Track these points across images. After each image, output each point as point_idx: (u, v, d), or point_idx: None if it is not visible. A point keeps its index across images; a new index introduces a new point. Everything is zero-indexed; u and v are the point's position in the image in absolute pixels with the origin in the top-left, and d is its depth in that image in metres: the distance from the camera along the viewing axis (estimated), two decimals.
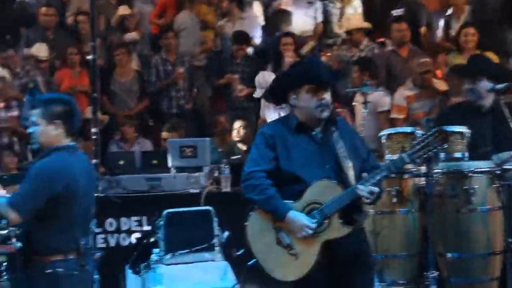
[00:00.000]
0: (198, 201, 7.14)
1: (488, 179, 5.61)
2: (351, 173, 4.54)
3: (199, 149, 7.74)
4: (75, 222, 4.55)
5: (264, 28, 10.59)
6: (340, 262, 4.56)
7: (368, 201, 4.55)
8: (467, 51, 8.66)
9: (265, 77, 8.49)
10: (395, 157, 5.84)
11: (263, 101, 8.39)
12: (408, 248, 5.80)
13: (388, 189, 5.81)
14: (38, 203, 4.42)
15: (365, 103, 6.99)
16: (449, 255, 5.62)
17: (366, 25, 9.75)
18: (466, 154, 5.76)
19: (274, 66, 9.71)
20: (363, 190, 4.49)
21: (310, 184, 4.53)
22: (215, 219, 6.29)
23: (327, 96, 4.61)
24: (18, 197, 4.47)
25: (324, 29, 10.46)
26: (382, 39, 10.00)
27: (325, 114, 4.60)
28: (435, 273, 5.30)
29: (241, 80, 9.71)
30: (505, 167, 5.57)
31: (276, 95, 4.87)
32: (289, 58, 9.37)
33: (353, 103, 8.47)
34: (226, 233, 6.24)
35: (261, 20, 10.63)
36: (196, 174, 7.59)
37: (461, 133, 5.75)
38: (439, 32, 9.84)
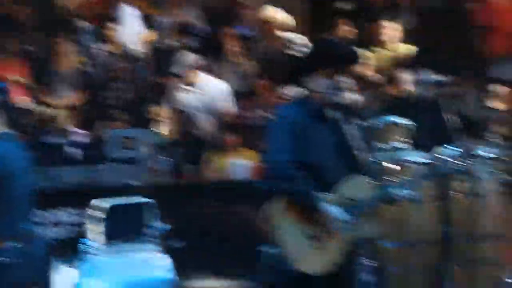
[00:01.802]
0: (139, 193, 7.05)
1: (425, 170, 5.65)
2: (363, 165, 4.43)
3: (137, 141, 7.66)
4: (12, 207, 4.50)
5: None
6: (355, 262, 4.50)
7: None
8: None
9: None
10: None
11: None
12: None
13: None
14: None
15: None
16: (386, 244, 5.65)
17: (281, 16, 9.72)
18: (408, 145, 5.81)
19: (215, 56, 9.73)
20: (399, 195, 4.37)
21: (336, 177, 4.35)
22: (156, 211, 6.24)
23: (344, 79, 4.42)
24: None
25: None
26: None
27: (341, 97, 4.42)
28: (372, 263, 5.38)
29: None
30: (440, 158, 5.63)
31: (295, 75, 4.65)
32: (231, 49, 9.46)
33: None
34: (165, 225, 6.19)
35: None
36: (134, 165, 7.53)
37: (403, 124, 5.79)
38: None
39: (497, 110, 7.33)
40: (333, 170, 4.37)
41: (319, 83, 4.41)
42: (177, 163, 7.82)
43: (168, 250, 6.17)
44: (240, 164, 7.66)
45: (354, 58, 4.52)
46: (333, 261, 4.31)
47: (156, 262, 6.05)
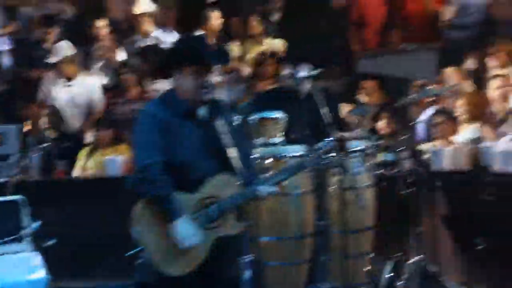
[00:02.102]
0: (5, 190, 6.87)
1: (299, 163, 5.70)
2: (237, 163, 4.43)
3: (6, 137, 7.41)
4: None
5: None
6: (224, 259, 4.46)
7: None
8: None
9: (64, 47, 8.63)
10: None
11: None
12: None
13: None
14: None
15: None
16: (262, 239, 5.69)
17: (152, 9, 9.68)
18: (283, 139, 5.85)
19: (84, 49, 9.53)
20: (264, 191, 4.42)
21: (205, 176, 4.38)
22: (25, 209, 6.04)
23: (212, 77, 4.45)
24: None
25: None
26: None
27: (208, 95, 4.44)
28: (250, 257, 5.41)
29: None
30: (315, 151, 5.71)
31: (162, 71, 4.62)
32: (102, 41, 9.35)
33: None
34: (37, 223, 6.01)
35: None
36: (3, 162, 7.28)
37: (277, 118, 5.83)
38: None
39: (367, 104, 7.52)
40: (201, 169, 4.38)
41: (186, 80, 4.40)
42: (49, 159, 7.61)
43: (40, 249, 5.99)
44: (114, 160, 7.54)
45: (220, 57, 4.57)
46: (197, 261, 4.33)
47: (28, 262, 5.86)
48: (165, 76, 4.56)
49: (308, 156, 4.69)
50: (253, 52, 9.10)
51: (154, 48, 9.02)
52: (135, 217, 4.38)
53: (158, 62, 4.84)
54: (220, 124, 4.45)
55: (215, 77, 4.52)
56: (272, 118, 5.86)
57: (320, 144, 5.50)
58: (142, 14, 9.49)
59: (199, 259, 4.35)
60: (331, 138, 4.91)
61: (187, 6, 10.20)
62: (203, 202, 4.37)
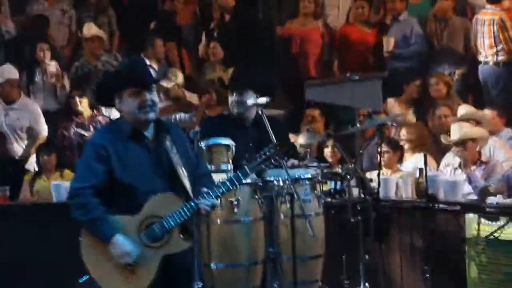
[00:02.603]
0: None
1: (251, 191, 5.73)
2: (186, 183, 4.44)
3: None
4: None
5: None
6: (175, 276, 4.47)
7: (205, 211, 4.49)
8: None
9: (6, 71, 8.59)
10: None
11: None
12: None
13: None
14: None
15: None
16: (213, 265, 5.68)
17: (101, 33, 9.63)
18: (231, 166, 5.85)
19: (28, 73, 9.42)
20: (206, 204, 4.44)
21: (148, 196, 4.37)
22: None
23: (153, 97, 4.44)
24: None
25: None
26: None
27: (151, 115, 4.43)
28: (200, 284, 5.37)
29: None
30: (266, 179, 5.75)
31: (102, 98, 4.68)
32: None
33: None
34: None
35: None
36: None
37: (226, 145, 5.83)
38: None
39: (314, 132, 7.58)
40: (148, 190, 4.36)
41: (126, 103, 4.42)
42: None
43: None
44: (60, 185, 7.43)
45: (151, 80, 4.52)
46: (146, 282, 4.34)
47: None
48: (107, 103, 4.59)
49: (259, 184, 4.92)
50: (204, 77, 9.17)
51: (100, 72, 8.98)
52: (81, 244, 4.39)
53: (97, 89, 4.85)
54: (168, 144, 4.45)
55: (155, 100, 4.46)
56: (220, 145, 5.86)
57: (270, 171, 5.58)
58: (93, 38, 9.43)
59: (148, 280, 4.34)
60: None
61: (133, 31, 10.20)
62: (145, 222, 4.37)
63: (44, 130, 8.72)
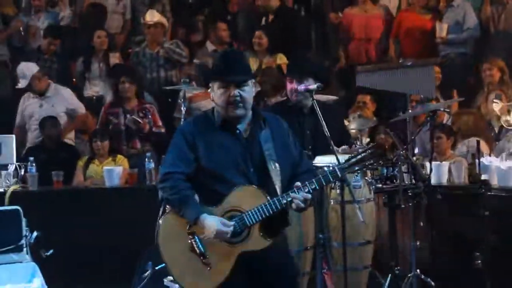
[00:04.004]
0: (3, 200, 6.88)
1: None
2: (276, 178, 4.21)
3: (3, 146, 7.40)
4: None
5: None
6: (259, 276, 4.24)
7: (300, 207, 4.18)
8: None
9: (28, 68, 8.65)
10: None
11: None
12: None
13: None
14: None
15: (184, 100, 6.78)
16: None
17: (164, 20, 9.69)
18: None
19: (84, 61, 9.57)
20: (298, 198, 4.15)
21: (233, 188, 4.18)
22: (23, 219, 6.02)
23: (242, 92, 4.24)
24: None
25: (132, 26, 10.38)
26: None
27: (239, 111, 4.26)
28: None
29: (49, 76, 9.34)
30: (317, 165, 5.73)
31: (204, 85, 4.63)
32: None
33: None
34: (35, 234, 5.99)
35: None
36: (1, 172, 7.29)
37: None
38: None
39: (365, 118, 7.54)
40: (233, 182, 4.20)
41: (215, 94, 4.30)
42: (45, 169, 7.59)
43: (37, 259, 5.97)
44: (112, 170, 7.53)
45: (238, 78, 4.29)
46: (220, 278, 4.15)
47: (25, 272, 5.83)
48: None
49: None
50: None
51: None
52: (158, 231, 4.27)
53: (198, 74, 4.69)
54: (263, 137, 4.28)
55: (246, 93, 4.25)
56: None
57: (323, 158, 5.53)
58: (156, 24, 9.50)
59: (222, 275, 4.17)
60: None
61: (183, 19, 10.28)
62: (226, 214, 4.18)
63: (80, 107, 8.88)
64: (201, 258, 4.16)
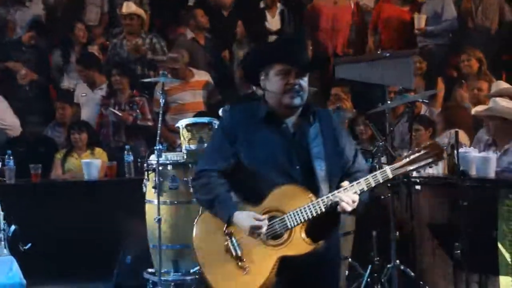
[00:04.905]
0: None
1: None
2: (322, 179, 3.84)
3: None
4: None
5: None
6: (299, 284, 3.88)
7: (346, 210, 3.76)
8: None
9: None
10: (194, 147, 5.90)
11: None
12: None
13: (185, 179, 5.84)
14: None
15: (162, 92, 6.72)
16: None
17: (141, 12, 9.63)
18: None
19: (62, 53, 9.51)
20: (344, 199, 3.74)
21: (274, 187, 3.80)
22: (1, 213, 5.96)
23: (302, 81, 3.83)
24: None
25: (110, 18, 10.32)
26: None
27: (296, 101, 3.82)
28: None
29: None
30: None
31: (248, 74, 4.13)
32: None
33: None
34: (13, 227, 5.93)
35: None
36: None
37: None
38: None
39: (344, 110, 7.55)
40: (275, 180, 3.81)
41: (271, 81, 3.88)
42: (23, 162, 7.54)
43: (15, 253, 5.92)
44: (90, 163, 7.49)
45: (304, 60, 3.90)
46: (257, 284, 3.78)
47: (2, 266, 5.78)
48: (253, 79, 4.05)
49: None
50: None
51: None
52: (195, 229, 3.95)
53: (243, 62, 4.36)
54: (312, 133, 3.90)
55: (305, 82, 3.84)
56: None
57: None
58: (132, 15, 9.43)
59: (259, 281, 3.78)
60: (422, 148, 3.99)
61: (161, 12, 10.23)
62: (266, 215, 3.81)
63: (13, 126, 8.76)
64: (237, 261, 3.82)
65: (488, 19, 9.12)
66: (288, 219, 3.78)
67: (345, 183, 3.81)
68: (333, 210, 3.77)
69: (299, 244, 3.77)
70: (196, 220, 3.97)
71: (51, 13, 10.13)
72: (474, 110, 6.80)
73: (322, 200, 3.77)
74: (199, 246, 3.91)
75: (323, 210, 3.76)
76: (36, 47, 9.52)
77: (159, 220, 5.89)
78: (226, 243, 3.83)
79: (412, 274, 6.10)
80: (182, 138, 5.97)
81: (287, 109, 3.88)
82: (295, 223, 3.77)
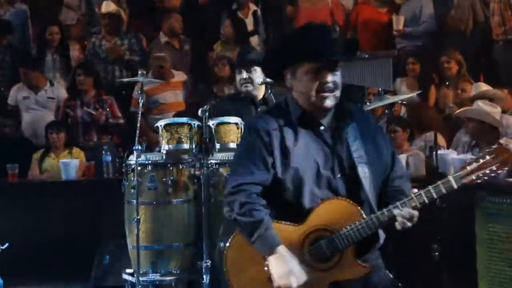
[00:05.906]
0: None
1: None
2: (368, 186, 3.47)
3: None
4: None
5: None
6: None
7: (405, 227, 3.45)
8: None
9: None
10: (172, 147, 5.87)
11: None
12: (184, 238, 5.85)
13: (164, 179, 5.82)
14: None
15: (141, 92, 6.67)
16: (221, 244, 5.66)
17: (118, 11, 9.57)
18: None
19: (38, 55, 9.47)
20: (403, 216, 3.41)
21: (317, 200, 3.44)
22: None
23: (336, 78, 3.47)
24: None
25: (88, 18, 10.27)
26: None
27: (329, 102, 3.46)
28: (208, 262, 5.39)
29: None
30: None
31: (271, 71, 3.74)
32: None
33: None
34: None
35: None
36: None
37: (236, 123, 5.82)
38: None
39: None
40: (316, 192, 3.47)
41: (300, 81, 3.50)
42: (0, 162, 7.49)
43: None
44: (68, 163, 7.45)
45: (347, 52, 3.63)
46: None
47: None
48: (275, 77, 3.74)
49: None
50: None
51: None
52: (227, 249, 3.57)
53: (264, 58, 3.87)
54: (351, 135, 3.53)
55: (339, 78, 3.50)
56: (231, 123, 5.85)
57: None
58: (110, 15, 9.39)
59: None
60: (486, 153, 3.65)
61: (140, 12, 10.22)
62: (312, 235, 3.45)
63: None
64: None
65: (461, 22, 9.16)
66: (338, 239, 3.41)
67: (405, 198, 3.46)
68: (390, 227, 3.46)
69: (351, 266, 3.45)
70: (226, 250, 3.59)
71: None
72: (457, 112, 6.86)
73: (376, 217, 3.42)
74: (234, 272, 3.53)
75: (379, 227, 3.45)
76: (10, 46, 9.48)
77: (137, 221, 5.86)
78: (266, 268, 3.42)
79: (390, 275, 6.11)
80: (161, 138, 5.95)
81: (319, 110, 3.51)
82: (346, 244, 3.41)
